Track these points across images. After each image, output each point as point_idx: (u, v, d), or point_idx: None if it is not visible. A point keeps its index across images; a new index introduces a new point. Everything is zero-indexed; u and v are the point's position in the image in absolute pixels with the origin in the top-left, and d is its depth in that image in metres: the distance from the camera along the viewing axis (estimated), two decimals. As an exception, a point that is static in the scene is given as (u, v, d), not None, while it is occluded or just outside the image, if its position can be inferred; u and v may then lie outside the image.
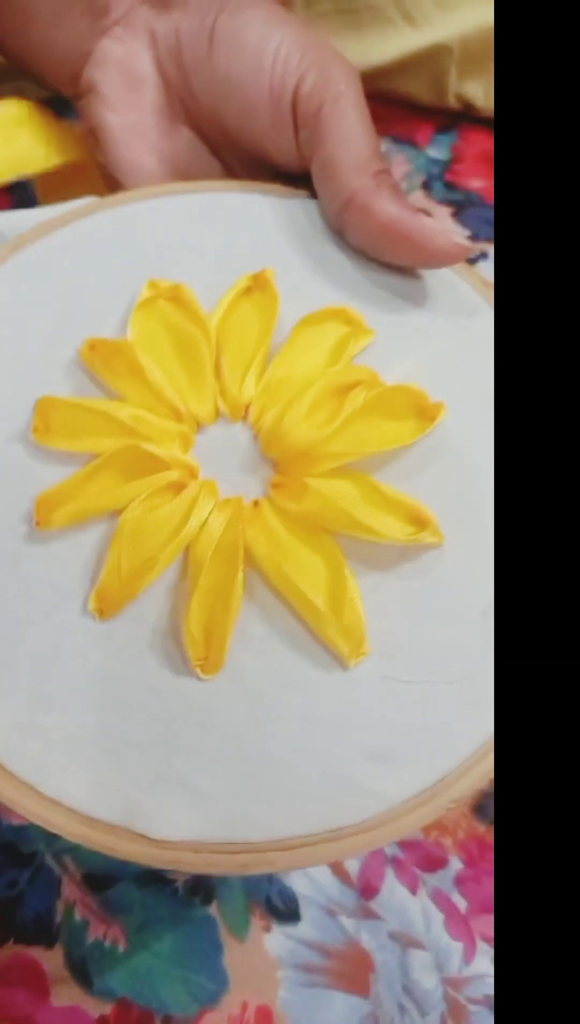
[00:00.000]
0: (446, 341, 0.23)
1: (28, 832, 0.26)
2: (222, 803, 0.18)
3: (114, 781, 0.18)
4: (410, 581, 0.20)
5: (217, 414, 0.22)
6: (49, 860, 0.26)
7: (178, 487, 0.20)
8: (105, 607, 0.19)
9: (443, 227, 0.22)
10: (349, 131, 0.23)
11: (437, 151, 0.41)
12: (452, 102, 0.39)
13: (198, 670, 0.18)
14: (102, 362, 0.21)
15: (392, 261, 0.23)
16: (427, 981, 0.25)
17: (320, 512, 0.20)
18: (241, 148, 0.26)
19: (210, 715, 0.18)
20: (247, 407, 0.22)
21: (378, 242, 0.23)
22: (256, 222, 0.24)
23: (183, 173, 0.27)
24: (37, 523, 0.19)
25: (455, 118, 0.41)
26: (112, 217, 0.24)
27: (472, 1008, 0.25)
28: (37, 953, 0.25)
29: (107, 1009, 0.24)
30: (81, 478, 0.20)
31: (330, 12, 0.37)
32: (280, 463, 0.21)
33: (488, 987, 0.25)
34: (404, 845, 0.27)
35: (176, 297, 0.22)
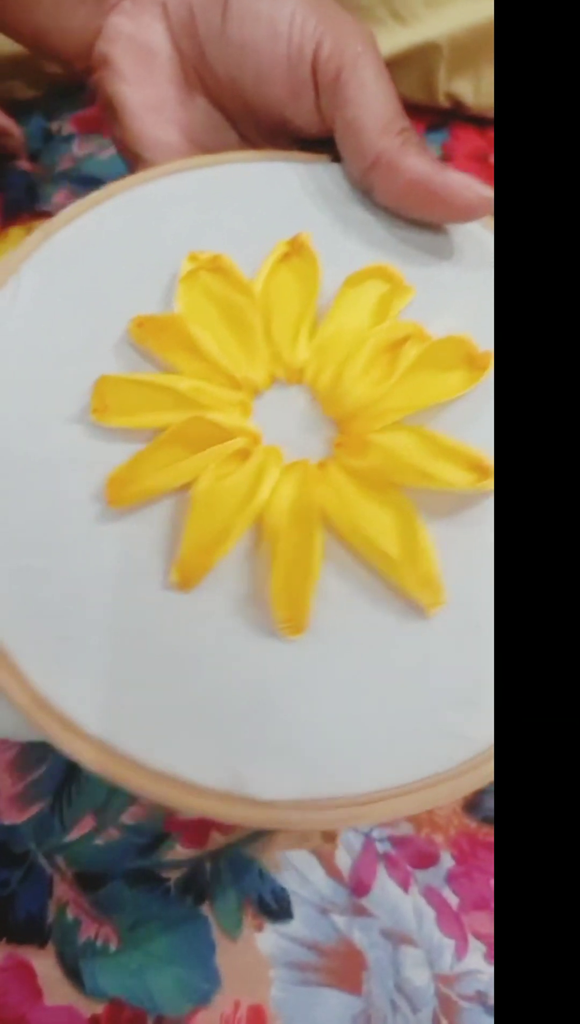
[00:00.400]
0: (482, 293, 0.23)
1: (19, 831, 0.26)
2: (321, 760, 0.18)
3: (216, 749, 0.18)
4: (476, 529, 0.20)
5: (272, 379, 0.22)
6: (40, 859, 0.26)
7: (244, 454, 0.20)
8: (186, 579, 0.19)
9: (468, 180, 0.22)
10: (370, 92, 0.23)
11: (427, 149, 0.41)
12: (442, 100, 0.39)
13: (285, 632, 0.19)
14: (152, 338, 0.21)
15: (421, 218, 0.23)
16: (419, 978, 0.25)
17: (385, 466, 0.20)
18: (259, 117, 0.26)
19: (300, 675, 0.19)
20: (301, 370, 0.22)
21: (406, 200, 0.23)
22: (283, 189, 0.25)
23: (202, 145, 0.27)
24: (109, 501, 0.19)
25: (445, 116, 0.41)
26: (136, 197, 0.24)
27: (464, 1004, 0.25)
28: (29, 953, 0.25)
29: (99, 1009, 0.24)
30: (148, 453, 0.20)
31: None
32: (341, 422, 0.21)
33: (480, 983, 0.25)
34: (396, 841, 0.27)
35: (217, 267, 0.23)
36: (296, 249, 0.23)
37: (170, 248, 0.23)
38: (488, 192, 0.22)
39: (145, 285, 0.23)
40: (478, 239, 0.24)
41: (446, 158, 0.40)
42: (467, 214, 0.23)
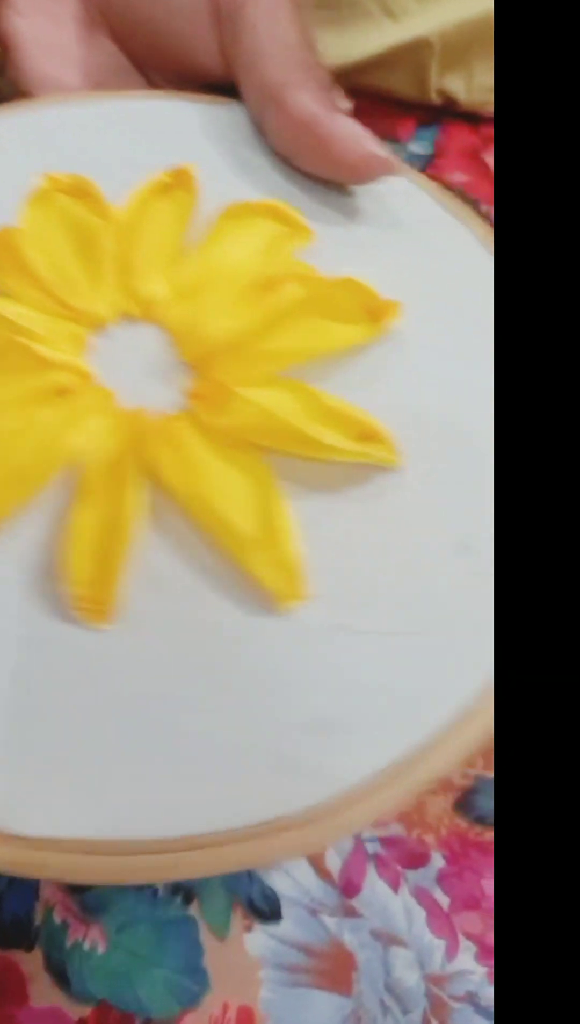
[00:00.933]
0: (399, 252, 0.20)
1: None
2: (117, 790, 0.14)
3: None
4: (360, 509, 0.16)
5: (119, 314, 0.19)
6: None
7: (64, 393, 0.17)
8: None
9: (360, 134, 0.19)
10: (273, 18, 0.21)
11: (419, 146, 0.41)
12: (433, 97, 0.39)
13: (84, 616, 0.15)
14: None
15: (303, 167, 0.21)
16: (409, 979, 0.25)
17: (249, 424, 0.16)
18: (167, 57, 0.24)
19: (101, 676, 0.15)
20: (155, 304, 0.19)
21: (293, 144, 0.20)
22: (178, 126, 0.22)
23: (104, 88, 0.25)
24: None
25: (437, 113, 0.40)
26: (12, 123, 0.21)
27: (455, 1005, 0.25)
28: (16, 956, 0.24)
29: (87, 1011, 0.24)
30: None
31: (309, 7, 0.37)
32: (199, 367, 0.18)
33: (470, 984, 0.25)
34: (386, 842, 0.27)
35: (78, 190, 0.20)
36: (178, 181, 0.20)
37: (37, 170, 0.20)
38: (380, 151, 0.19)
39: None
40: (407, 194, 0.21)
41: (438, 154, 0.40)
42: (352, 173, 0.20)
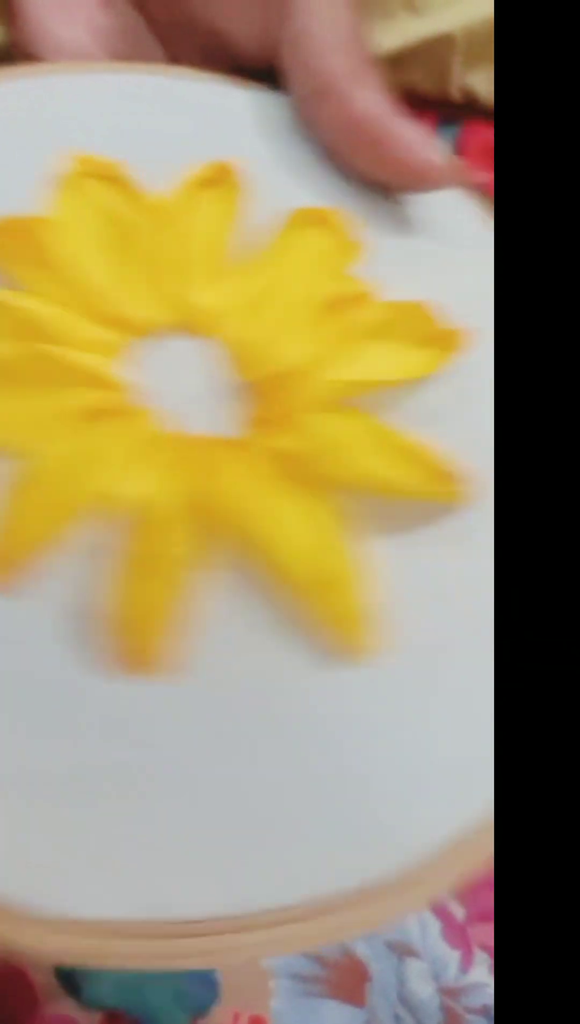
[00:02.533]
0: (456, 270, 0.18)
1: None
2: (161, 867, 0.12)
3: (4, 841, 0.12)
4: (437, 552, 0.15)
5: (161, 323, 0.17)
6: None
7: (99, 413, 0.15)
8: None
9: (426, 140, 0.18)
10: (332, 2, 0.19)
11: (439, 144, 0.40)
12: (455, 94, 0.39)
13: (127, 668, 0.13)
14: (3, 247, 0.16)
15: (357, 168, 0.19)
16: (423, 991, 0.25)
17: (314, 456, 0.15)
18: (197, 31, 0.22)
19: (146, 736, 0.13)
20: (209, 315, 0.17)
21: (348, 140, 0.18)
22: (212, 110, 0.20)
23: (117, 56, 0.22)
24: None
25: (458, 110, 0.40)
26: (28, 87, 0.19)
27: (469, 1018, 0.24)
28: (26, 964, 0.24)
29: (96, 1020, 0.24)
30: None
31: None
32: (263, 391, 0.16)
33: (485, 996, 0.25)
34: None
35: (112, 176, 0.17)
36: (220, 175, 0.18)
37: (53, 150, 0.17)
38: (444, 160, 0.18)
39: (13, 188, 0.17)
40: (454, 208, 0.19)
41: (458, 152, 0.40)
42: (411, 178, 0.18)
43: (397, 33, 0.37)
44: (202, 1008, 0.24)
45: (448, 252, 0.19)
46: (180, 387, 0.16)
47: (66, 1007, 0.24)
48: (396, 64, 0.38)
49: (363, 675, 0.14)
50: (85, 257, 0.16)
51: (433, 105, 0.40)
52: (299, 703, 0.14)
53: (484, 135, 0.40)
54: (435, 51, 0.37)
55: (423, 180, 0.18)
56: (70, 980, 0.24)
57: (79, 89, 0.19)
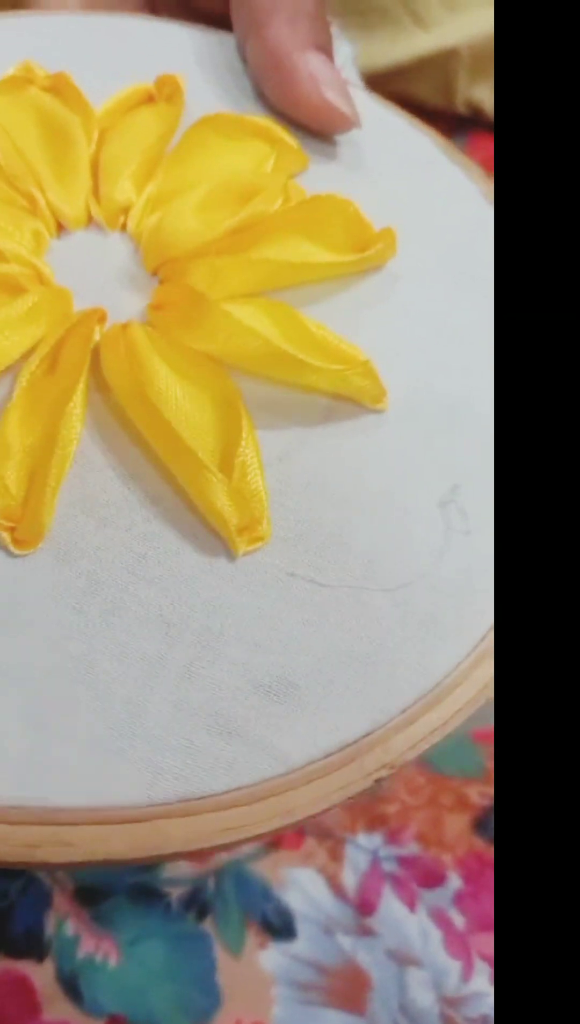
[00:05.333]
0: (394, 188, 0.18)
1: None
2: (19, 748, 0.12)
3: None
4: (335, 451, 0.15)
5: (88, 218, 0.17)
6: (40, 872, 0.26)
7: (16, 290, 0.16)
8: None
9: (327, 77, 0.18)
10: None
11: (444, 156, 0.40)
12: (460, 107, 0.39)
13: (6, 537, 0.13)
14: None
15: (267, 103, 0.19)
16: (424, 1000, 0.25)
17: (219, 340, 0.15)
18: None
19: (17, 608, 0.13)
20: (124, 210, 0.17)
21: (260, 74, 0.18)
22: (171, 49, 0.20)
23: (101, 8, 0.23)
24: None
25: (463, 123, 0.40)
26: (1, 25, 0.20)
27: (469, 1028, 0.24)
28: (27, 967, 0.24)
29: (98, 1025, 0.24)
30: None
31: (337, 13, 0.37)
32: (168, 278, 0.16)
33: (486, 1006, 0.25)
34: (402, 861, 0.26)
35: (56, 87, 0.18)
36: (165, 93, 0.19)
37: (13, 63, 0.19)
38: (342, 103, 0.18)
39: None
40: (403, 134, 0.19)
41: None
42: (309, 117, 0.18)
43: (404, 47, 0.37)
44: (204, 1015, 0.24)
45: (385, 170, 0.19)
46: (95, 275, 0.16)
47: (67, 1012, 0.24)
48: (403, 76, 0.38)
49: (242, 564, 0.13)
50: (18, 152, 0.17)
51: (439, 117, 0.40)
52: (177, 587, 0.13)
53: (489, 148, 0.40)
54: (441, 64, 0.37)
55: (321, 119, 0.18)
56: (71, 985, 0.24)
57: (47, 27, 0.20)
